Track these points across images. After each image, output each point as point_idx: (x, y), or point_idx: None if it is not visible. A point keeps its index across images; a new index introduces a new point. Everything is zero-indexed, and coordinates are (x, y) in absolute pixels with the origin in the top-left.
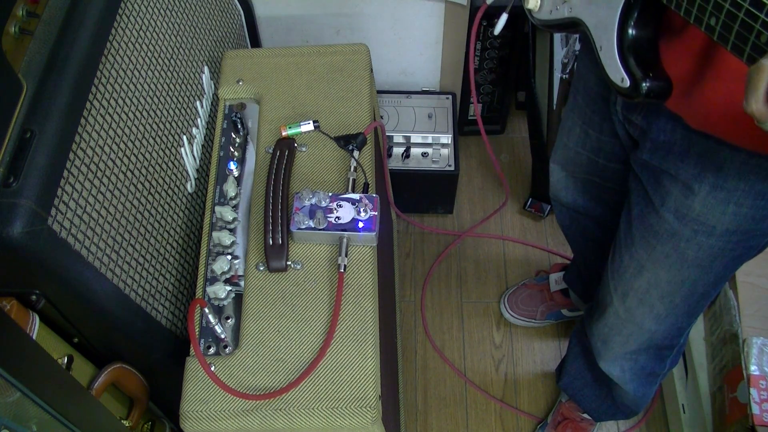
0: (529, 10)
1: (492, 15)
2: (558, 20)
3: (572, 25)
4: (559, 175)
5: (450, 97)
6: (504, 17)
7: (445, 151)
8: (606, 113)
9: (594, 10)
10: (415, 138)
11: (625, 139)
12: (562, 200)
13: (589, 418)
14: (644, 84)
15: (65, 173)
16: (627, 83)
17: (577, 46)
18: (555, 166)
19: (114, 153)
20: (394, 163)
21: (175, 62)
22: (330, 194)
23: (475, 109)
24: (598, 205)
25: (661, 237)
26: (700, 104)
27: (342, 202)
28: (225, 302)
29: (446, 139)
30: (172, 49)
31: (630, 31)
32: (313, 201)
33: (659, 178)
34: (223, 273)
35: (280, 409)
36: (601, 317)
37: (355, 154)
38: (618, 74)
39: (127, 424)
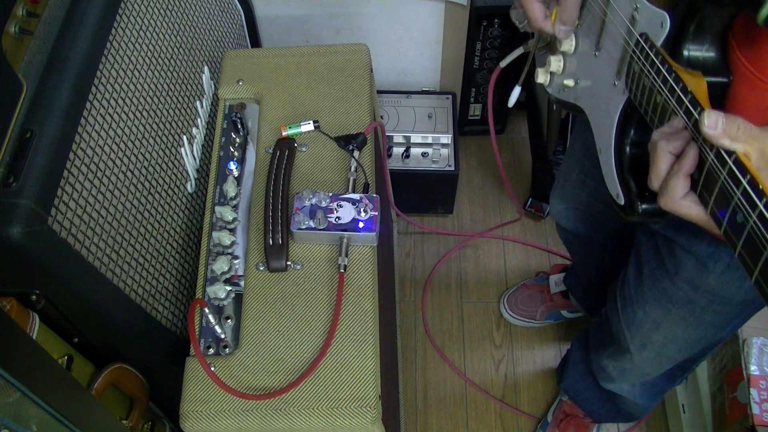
0: (541, 84)
1: (492, 15)
2: (566, 102)
3: (580, 112)
4: (558, 207)
5: (450, 97)
6: (517, 90)
7: (445, 151)
8: None
9: (595, 108)
10: (415, 138)
11: None
12: (564, 226)
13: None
14: (640, 205)
15: (65, 173)
16: (622, 201)
17: None
18: (555, 200)
19: (114, 153)
20: (394, 163)
21: (175, 62)
22: (330, 194)
23: (489, 117)
24: (600, 233)
25: (676, 302)
26: None
27: (342, 202)
28: (225, 302)
29: (446, 139)
30: (172, 49)
31: (627, 149)
32: (314, 201)
33: (672, 248)
34: (223, 273)
35: (280, 409)
36: (618, 357)
37: (355, 154)
38: (614, 188)
39: (127, 424)
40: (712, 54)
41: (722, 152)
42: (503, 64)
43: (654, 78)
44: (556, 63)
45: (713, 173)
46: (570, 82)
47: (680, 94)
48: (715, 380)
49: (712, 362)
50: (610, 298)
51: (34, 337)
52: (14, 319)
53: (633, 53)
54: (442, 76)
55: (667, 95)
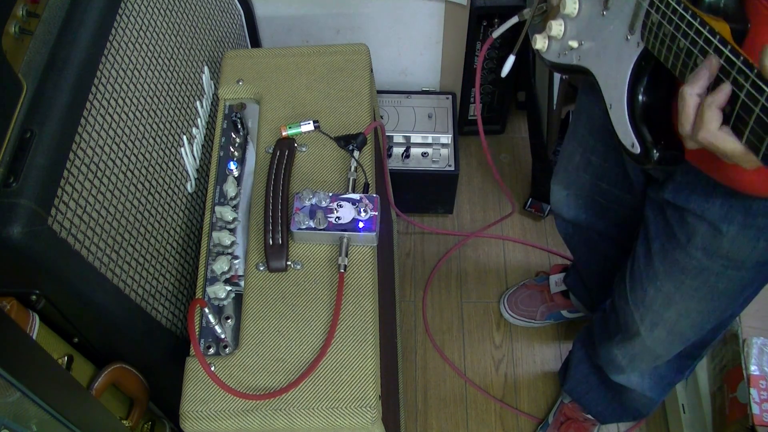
0: (537, 51)
1: (492, 15)
2: (567, 65)
3: (582, 72)
4: (560, 194)
5: (450, 97)
6: (511, 59)
7: (445, 151)
8: (611, 143)
9: (604, 65)
10: (415, 138)
11: (637, 177)
12: (564, 216)
13: (592, 417)
14: (655, 152)
15: (65, 173)
16: (638, 150)
17: None
18: (556, 187)
19: (114, 153)
20: (394, 163)
21: (175, 62)
22: (330, 194)
23: (476, 91)
24: (601, 220)
25: (689, 272)
26: (727, 168)
27: (342, 202)
28: (225, 302)
29: (446, 139)
30: (172, 49)
31: (641, 97)
32: (314, 201)
33: (683, 216)
34: (223, 273)
35: (280, 409)
36: (626, 343)
37: (355, 154)
38: (628, 139)
39: (127, 424)
40: (731, 1)
41: (758, 82)
42: (495, 34)
43: (677, 24)
44: (557, 27)
45: (748, 104)
46: (574, 44)
47: (708, 35)
48: (715, 380)
49: (712, 362)
50: (618, 282)
51: (34, 337)
52: (14, 319)
53: (651, 5)
54: (442, 76)
55: (693, 38)
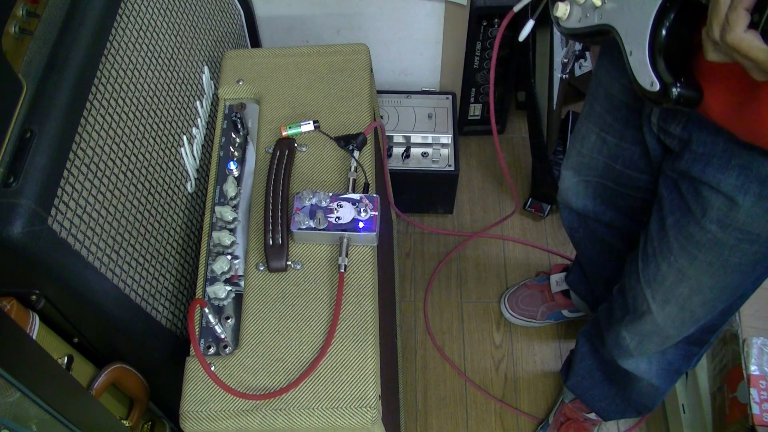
0: (557, 18)
1: (492, 15)
2: (587, 28)
3: (601, 34)
4: (570, 180)
5: (450, 97)
6: (530, 23)
7: (445, 151)
8: (629, 121)
9: (626, 15)
10: (415, 138)
11: (654, 150)
12: (572, 205)
13: (593, 417)
14: (674, 89)
15: (65, 173)
16: (657, 87)
17: (578, 47)
18: (567, 172)
19: (114, 153)
20: (394, 163)
21: (175, 62)
22: (330, 194)
23: (491, 111)
24: (609, 209)
25: (703, 246)
26: (754, 119)
27: (342, 202)
28: (225, 302)
29: (446, 139)
30: (172, 49)
31: (663, 32)
32: (314, 201)
33: (698, 189)
34: (223, 273)
35: (280, 409)
36: (636, 322)
37: (355, 154)
38: (647, 78)
39: (127, 424)
40: None
41: None
42: (517, 8)
43: None
44: None
45: None
46: (597, 2)
47: None
48: (715, 380)
49: (712, 362)
50: (629, 263)
51: (34, 337)
52: (14, 319)
53: None
54: (442, 76)
55: None
